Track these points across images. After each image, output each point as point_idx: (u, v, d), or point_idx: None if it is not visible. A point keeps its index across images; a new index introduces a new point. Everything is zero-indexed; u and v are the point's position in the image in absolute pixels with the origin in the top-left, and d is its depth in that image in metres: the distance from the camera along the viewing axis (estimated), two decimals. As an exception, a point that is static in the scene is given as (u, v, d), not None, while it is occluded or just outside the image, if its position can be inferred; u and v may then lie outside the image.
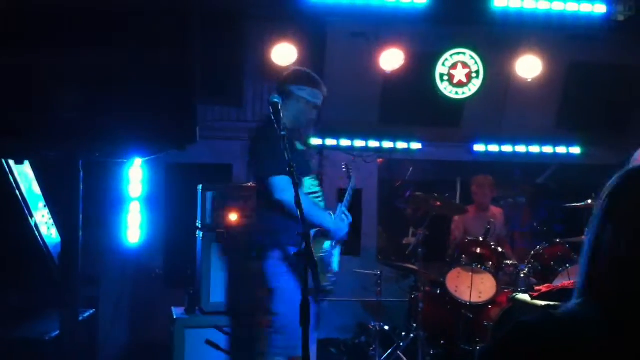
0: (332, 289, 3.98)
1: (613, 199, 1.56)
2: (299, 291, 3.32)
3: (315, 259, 3.63)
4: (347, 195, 4.24)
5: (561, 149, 7.20)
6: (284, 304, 3.79)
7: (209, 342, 4.60)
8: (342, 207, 4.12)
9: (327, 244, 3.98)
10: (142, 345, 5.95)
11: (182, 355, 4.58)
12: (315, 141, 6.89)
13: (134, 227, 6.07)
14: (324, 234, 3.95)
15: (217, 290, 4.69)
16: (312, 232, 3.74)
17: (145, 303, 6.06)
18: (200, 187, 4.94)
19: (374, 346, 5.43)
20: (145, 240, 6.11)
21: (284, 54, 6.26)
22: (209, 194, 4.84)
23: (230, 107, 6.62)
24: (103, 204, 5.79)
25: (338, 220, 4.01)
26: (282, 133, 3.30)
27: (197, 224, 5.00)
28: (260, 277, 3.93)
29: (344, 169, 4.52)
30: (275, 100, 3.45)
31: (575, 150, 7.24)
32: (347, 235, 4.07)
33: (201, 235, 4.80)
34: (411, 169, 7.32)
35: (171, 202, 6.40)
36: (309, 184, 3.97)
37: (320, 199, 4.04)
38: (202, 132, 6.81)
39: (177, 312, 4.74)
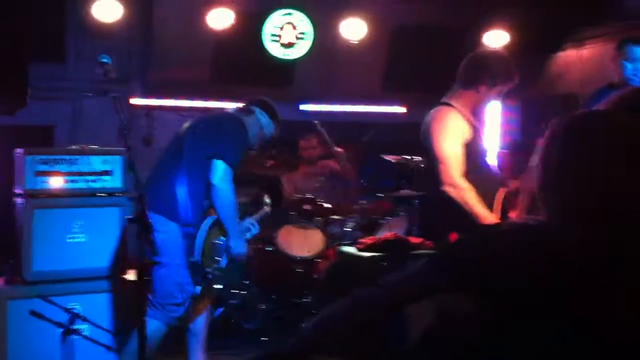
0: (214, 281, 4.02)
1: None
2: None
3: (210, 242, 3.90)
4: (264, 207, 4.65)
5: (386, 109, 7.62)
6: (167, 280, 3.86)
7: (34, 313, 4.42)
8: (251, 220, 4.37)
9: (223, 238, 4.02)
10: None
11: (4, 328, 4.37)
12: (144, 102, 6.73)
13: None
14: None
15: (39, 259, 4.49)
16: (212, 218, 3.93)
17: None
18: (18, 151, 4.65)
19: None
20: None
21: (109, 9, 6.02)
22: (29, 158, 4.58)
23: (52, 65, 6.25)
24: None
25: (239, 235, 4.04)
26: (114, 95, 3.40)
27: (16, 191, 4.73)
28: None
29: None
30: (105, 60, 3.41)
31: (400, 109, 7.66)
32: (243, 256, 4.08)
33: (21, 202, 4.55)
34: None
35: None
36: None
37: None
38: (20, 92, 6.28)
39: (-3, 284, 4.50)
